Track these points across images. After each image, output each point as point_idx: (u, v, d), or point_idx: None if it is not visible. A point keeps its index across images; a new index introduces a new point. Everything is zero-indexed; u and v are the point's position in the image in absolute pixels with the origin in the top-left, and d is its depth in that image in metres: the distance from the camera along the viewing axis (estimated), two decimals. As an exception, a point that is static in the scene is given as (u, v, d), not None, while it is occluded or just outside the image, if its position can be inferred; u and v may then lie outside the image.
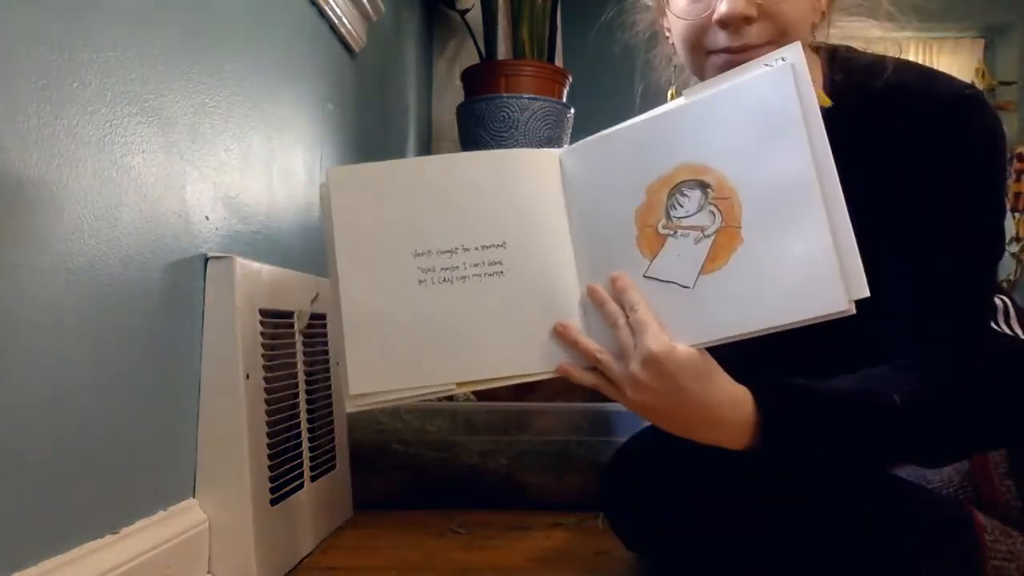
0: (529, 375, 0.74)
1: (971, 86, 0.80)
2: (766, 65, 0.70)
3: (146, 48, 0.82)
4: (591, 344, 0.72)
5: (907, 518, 0.79)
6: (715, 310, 0.69)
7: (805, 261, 0.66)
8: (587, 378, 0.73)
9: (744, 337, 0.68)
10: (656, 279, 0.72)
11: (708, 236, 0.70)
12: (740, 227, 0.69)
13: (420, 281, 0.74)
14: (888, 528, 0.78)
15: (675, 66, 0.90)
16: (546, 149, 0.80)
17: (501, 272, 0.74)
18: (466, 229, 0.75)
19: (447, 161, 0.83)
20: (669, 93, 0.89)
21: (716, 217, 0.70)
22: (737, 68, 0.73)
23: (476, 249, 0.75)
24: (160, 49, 0.84)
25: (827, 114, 0.77)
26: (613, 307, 0.72)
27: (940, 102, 0.77)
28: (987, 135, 0.77)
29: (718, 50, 0.78)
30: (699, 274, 0.70)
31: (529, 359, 0.74)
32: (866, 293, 0.64)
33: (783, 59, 0.69)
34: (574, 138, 2.29)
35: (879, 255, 0.68)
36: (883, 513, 0.79)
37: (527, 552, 1.09)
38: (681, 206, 0.71)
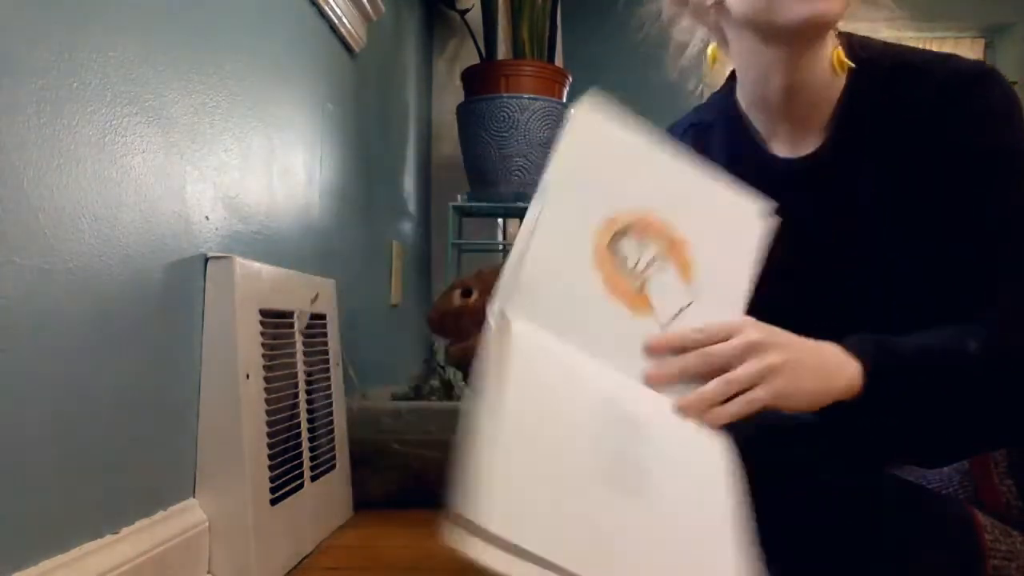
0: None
1: (984, 63, 0.82)
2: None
3: (146, 48, 0.82)
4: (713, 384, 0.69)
5: (907, 518, 0.79)
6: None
7: None
8: (736, 408, 0.68)
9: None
10: (672, 319, 0.71)
11: (664, 258, 0.72)
12: (679, 235, 0.72)
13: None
14: (888, 528, 0.78)
15: (698, 49, 0.92)
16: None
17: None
18: None
19: None
20: (709, 50, 0.91)
21: (651, 244, 0.72)
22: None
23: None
24: (160, 49, 0.84)
25: (857, 91, 0.82)
26: (681, 356, 0.69)
27: (960, 71, 0.78)
28: (1007, 101, 0.78)
29: None
30: (688, 284, 0.72)
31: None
32: None
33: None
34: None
35: (896, 239, 0.70)
36: (883, 512, 0.79)
37: (527, 552, 1.09)
38: (627, 255, 0.71)
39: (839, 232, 0.85)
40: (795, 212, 0.82)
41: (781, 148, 0.88)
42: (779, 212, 0.86)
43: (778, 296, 0.73)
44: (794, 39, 0.79)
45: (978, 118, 0.76)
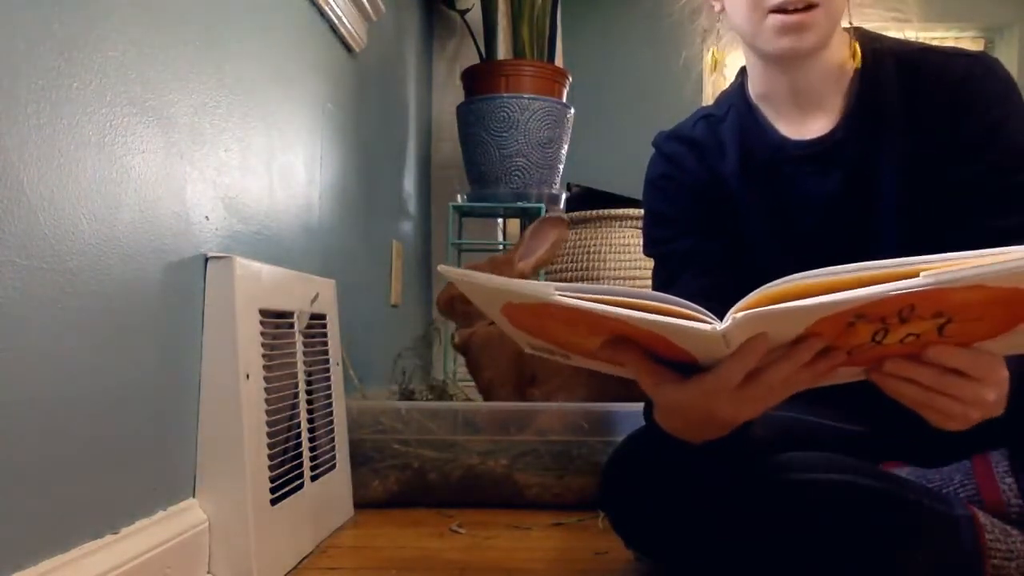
0: None
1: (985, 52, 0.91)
2: None
3: (146, 48, 0.82)
4: None
5: (907, 517, 0.79)
6: None
7: None
8: None
9: None
10: None
11: None
12: None
13: None
14: (888, 527, 0.78)
15: (717, 30, 0.96)
16: None
17: None
18: None
19: None
20: (712, 52, 0.95)
21: None
22: None
23: None
24: (160, 49, 0.84)
25: (867, 75, 0.88)
26: None
27: (973, 56, 0.85)
28: (1011, 80, 0.86)
29: (777, 8, 0.81)
30: None
31: None
32: None
33: None
34: (574, 138, 2.29)
35: (930, 210, 0.76)
36: (883, 512, 0.79)
37: (527, 552, 1.09)
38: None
39: (855, 207, 0.88)
40: (811, 191, 0.89)
41: (792, 131, 0.91)
42: (795, 192, 0.89)
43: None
44: (780, 62, 0.87)
45: (1003, 89, 0.84)
